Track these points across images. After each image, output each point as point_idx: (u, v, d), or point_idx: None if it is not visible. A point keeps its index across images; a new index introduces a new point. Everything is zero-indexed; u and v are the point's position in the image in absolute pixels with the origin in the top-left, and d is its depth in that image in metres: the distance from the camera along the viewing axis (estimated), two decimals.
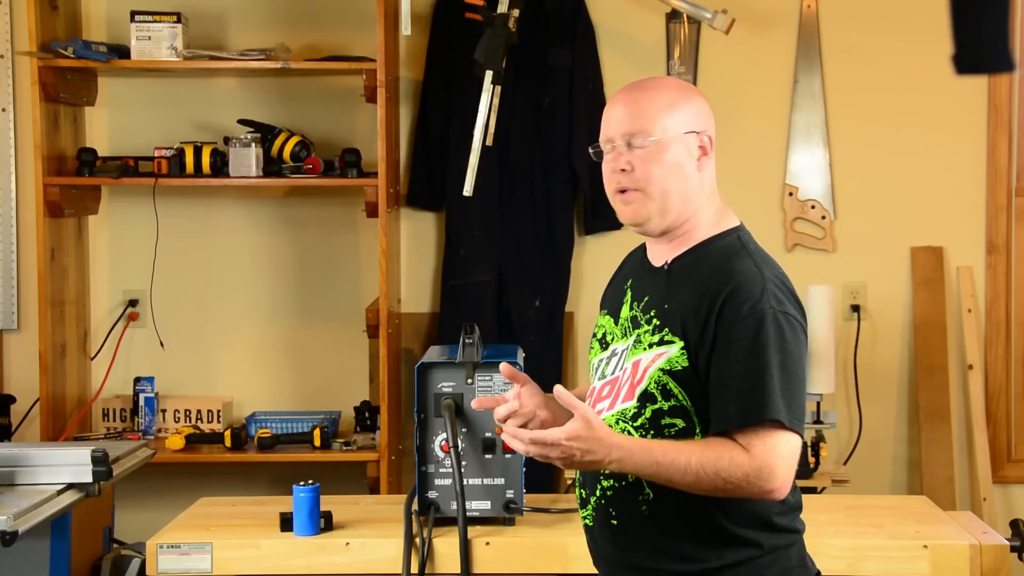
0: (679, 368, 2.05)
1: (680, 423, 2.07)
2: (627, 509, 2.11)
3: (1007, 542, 2.78)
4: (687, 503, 2.05)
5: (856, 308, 4.20)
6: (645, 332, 2.11)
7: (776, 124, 4.20)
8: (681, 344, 2.05)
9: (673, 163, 2.11)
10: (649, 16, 4.20)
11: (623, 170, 2.12)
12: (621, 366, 2.15)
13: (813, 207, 4.20)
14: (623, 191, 2.13)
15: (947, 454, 4.13)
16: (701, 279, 2.09)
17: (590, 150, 2.22)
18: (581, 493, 2.21)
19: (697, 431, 2.06)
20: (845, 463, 4.08)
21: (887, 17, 4.17)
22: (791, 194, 4.21)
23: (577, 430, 1.95)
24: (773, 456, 1.98)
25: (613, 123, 2.15)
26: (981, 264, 4.20)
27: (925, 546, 2.73)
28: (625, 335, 2.17)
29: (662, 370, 2.06)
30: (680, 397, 2.06)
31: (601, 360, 2.21)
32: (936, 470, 4.11)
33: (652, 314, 2.12)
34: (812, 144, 4.21)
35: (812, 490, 3.68)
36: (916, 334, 4.18)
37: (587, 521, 2.21)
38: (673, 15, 4.17)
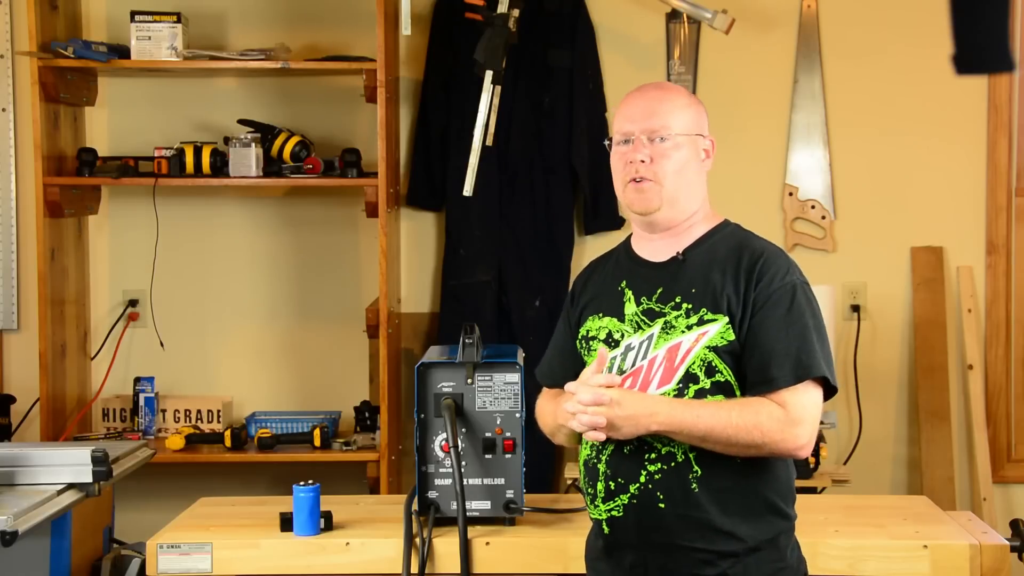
0: (725, 343, 2.19)
1: (722, 399, 2.19)
2: (677, 489, 2.19)
3: (1007, 542, 2.77)
4: (735, 475, 2.18)
5: (856, 308, 4.19)
6: (676, 317, 2.23)
7: (776, 124, 4.20)
8: (726, 320, 2.20)
9: (686, 160, 2.29)
10: (649, 16, 4.19)
11: (642, 161, 2.26)
12: (643, 356, 2.24)
13: (813, 207, 4.20)
14: (638, 180, 2.27)
15: (947, 454, 4.12)
16: (725, 259, 2.26)
17: (605, 142, 2.34)
18: (610, 485, 2.24)
19: None
20: (845, 463, 4.08)
21: (887, 17, 4.17)
22: (791, 194, 4.21)
23: (617, 391, 2.17)
24: (806, 412, 2.16)
25: (635, 117, 2.29)
26: (981, 264, 4.20)
27: (925, 546, 2.72)
28: (640, 328, 2.26)
29: (708, 347, 2.19)
30: (724, 372, 2.19)
31: (614, 357, 2.28)
32: (936, 470, 4.11)
33: (678, 300, 2.24)
34: (812, 144, 4.20)
35: (812, 490, 3.68)
36: (916, 334, 4.18)
37: (616, 512, 2.24)
38: (673, 15, 4.17)
